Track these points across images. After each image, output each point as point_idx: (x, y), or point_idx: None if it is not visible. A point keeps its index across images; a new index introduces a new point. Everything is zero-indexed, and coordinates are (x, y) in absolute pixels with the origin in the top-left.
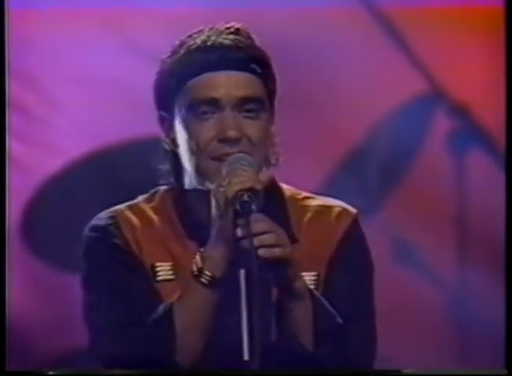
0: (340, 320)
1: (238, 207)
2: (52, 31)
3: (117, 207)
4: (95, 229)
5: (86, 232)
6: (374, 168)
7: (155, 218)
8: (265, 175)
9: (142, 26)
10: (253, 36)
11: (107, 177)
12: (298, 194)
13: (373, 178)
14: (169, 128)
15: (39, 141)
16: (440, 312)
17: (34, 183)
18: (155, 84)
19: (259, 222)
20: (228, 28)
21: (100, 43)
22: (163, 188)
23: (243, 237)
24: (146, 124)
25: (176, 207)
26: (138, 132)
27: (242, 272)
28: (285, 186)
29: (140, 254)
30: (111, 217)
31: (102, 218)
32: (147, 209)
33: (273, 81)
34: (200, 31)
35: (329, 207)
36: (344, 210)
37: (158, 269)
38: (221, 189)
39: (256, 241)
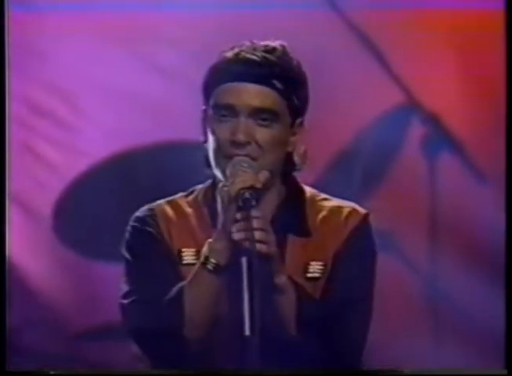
0: (322, 311)
1: (240, 203)
2: (81, 48)
3: (158, 201)
4: (136, 219)
5: (131, 221)
6: (359, 168)
7: (189, 210)
8: (263, 176)
9: (159, 44)
10: (290, 55)
11: (128, 177)
12: (317, 196)
13: (358, 177)
14: (204, 121)
15: (69, 145)
16: (414, 293)
17: (64, 182)
18: (203, 86)
19: (257, 219)
20: (265, 46)
21: (124, 61)
22: (199, 186)
23: (241, 230)
24: (164, 132)
25: (205, 200)
26: (156, 138)
27: (244, 259)
28: (307, 188)
29: (170, 242)
30: (150, 209)
31: (143, 210)
32: (183, 203)
33: (300, 97)
34: (242, 45)
35: (341, 208)
36: (354, 210)
37: (184, 254)
38: (225, 188)
39: (249, 235)
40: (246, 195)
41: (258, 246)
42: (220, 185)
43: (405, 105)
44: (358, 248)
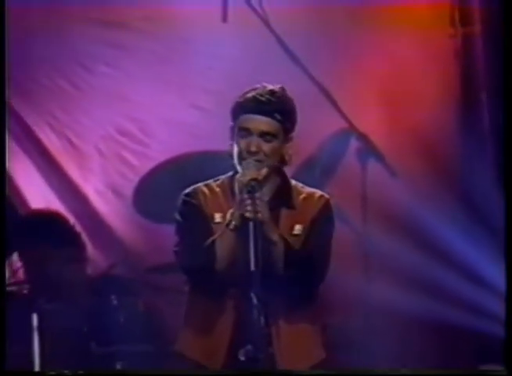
0: (303, 254)
1: (249, 188)
2: (148, 92)
3: (198, 184)
4: (186, 194)
5: (181, 195)
6: (319, 168)
7: (217, 190)
8: (264, 172)
9: (198, 91)
10: (286, 94)
11: (179, 172)
12: (298, 185)
13: (317, 175)
14: (232, 133)
15: (142, 153)
16: (353, 244)
17: (140, 175)
18: (231, 111)
19: (259, 200)
20: (270, 90)
21: (176, 101)
22: (222, 176)
23: (250, 210)
24: (201, 145)
25: (229, 184)
26: (196, 149)
27: (251, 223)
28: (292, 180)
29: (206, 208)
30: (194, 188)
31: (189, 189)
32: (214, 185)
33: (292, 122)
34: (254, 89)
35: (314, 193)
36: (323, 195)
37: (215, 215)
38: (240, 178)
39: (254, 211)
40: (252, 184)
41: (259, 215)
42: (236, 176)
43: (347, 129)
44: (325, 218)
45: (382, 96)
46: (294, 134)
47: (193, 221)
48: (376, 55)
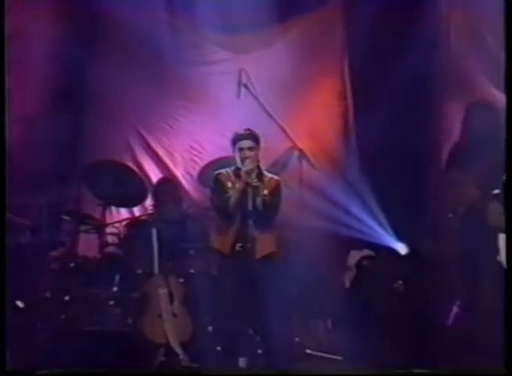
0: (268, 205)
1: (248, 172)
2: (200, 126)
3: (221, 169)
4: (216, 174)
5: (214, 173)
6: (280, 167)
7: (230, 172)
8: (253, 165)
9: (226, 125)
10: (252, 130)
11: (219, 166)
12: (266, 172)
13: (279, 169)
14: (234, 151)
15: (200, 158)
16: (294, 201)
17: (199, 167)
18: (231, 142)
19: (254, 179)
20: (246, 129)
21: (212, 131)
22: (233, 166)
23: (248, 181)
24: (227, 152)
25: (234, 171)
26: (224, 154)
27: (250, 191)
28: (264, 170)
29: (225, 181)
30: (219, 171)
31: (218, 170)
32: (228, 170)
33: (258, 140)
34: (240, 130)
35: (273, 177)
36: (278, 179)
37: (228, 183)
38: (244, 169)
39: (251, 183)
40: (249, 171)
41: (254, 183)
42: (242, 169)
43: (293, 147)
44: (278, 190)
45: (308, 131)
46: (263, 146)
47: (217, 186)
48: (305, 111)
